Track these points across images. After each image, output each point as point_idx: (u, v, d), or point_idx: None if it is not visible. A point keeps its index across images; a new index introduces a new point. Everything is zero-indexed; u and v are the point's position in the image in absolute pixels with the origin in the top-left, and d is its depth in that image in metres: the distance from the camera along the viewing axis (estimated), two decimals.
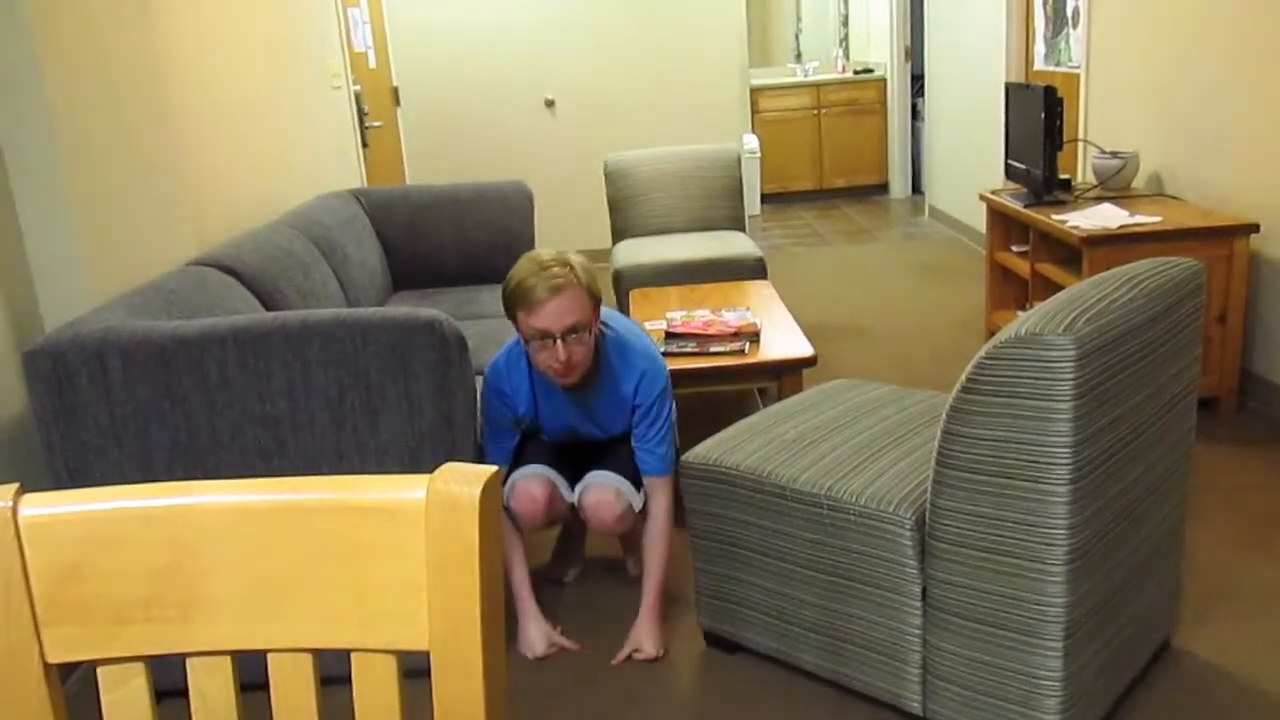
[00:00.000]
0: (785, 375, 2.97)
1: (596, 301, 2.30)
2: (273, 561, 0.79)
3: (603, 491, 2.42)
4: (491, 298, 3.94)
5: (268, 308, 2.92)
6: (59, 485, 2.22)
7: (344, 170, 4.85)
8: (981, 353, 1.75)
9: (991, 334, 4.46)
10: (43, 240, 2.48)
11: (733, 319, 3.16)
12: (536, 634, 2.45)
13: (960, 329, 4.77)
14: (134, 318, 2.32)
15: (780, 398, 2.90)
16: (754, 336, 3.08)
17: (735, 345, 3.02)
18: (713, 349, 3.03)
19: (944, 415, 1.82)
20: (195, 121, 3.24)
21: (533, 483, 2.43)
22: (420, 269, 4.18)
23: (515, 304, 2.24)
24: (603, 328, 2.40)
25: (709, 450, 2.30)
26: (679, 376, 2.96)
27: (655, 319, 3.36)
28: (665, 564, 2.44)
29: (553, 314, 2.21)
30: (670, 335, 3.11)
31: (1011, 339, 1.70)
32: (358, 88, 5.19)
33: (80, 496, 0.80)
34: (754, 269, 4.25)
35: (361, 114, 5.17)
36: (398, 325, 2.15)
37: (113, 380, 2.14)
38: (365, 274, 3.79)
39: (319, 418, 2.17)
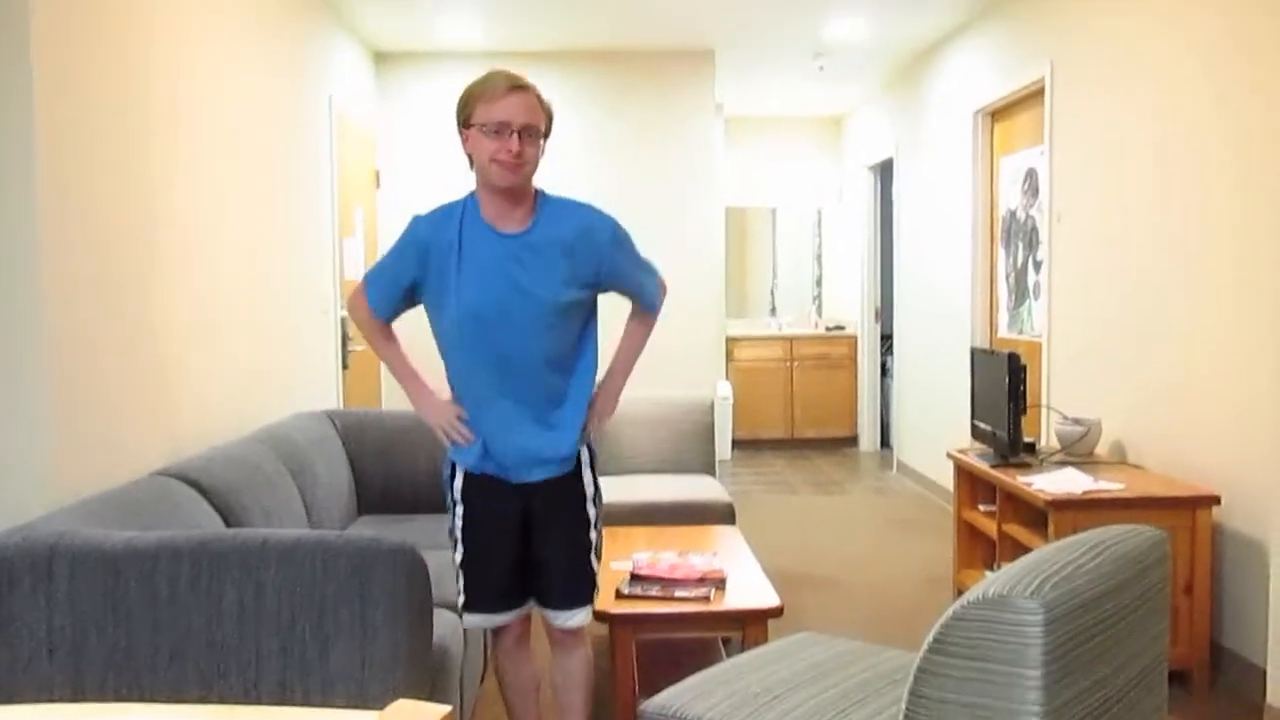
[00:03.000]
0: (750, 625, 2.91)
1: (549, 122, 2.37)
2: None
3: (566, 634, 2.55)
4: None
5: (228, 524, 2.87)
6: None
7: (322, 390, 4.90)
8: (949, 613, 1.73)
9: (960, 592, 4.41)
10: (11, 436, 2.46)
11: (699, 564, 3.13)
12: None
13: (928, 585, 4.72)
14: (90, 525, 2.27)
15: (744, 647, 2.83)
16: (720, 583, 3.03)
17: (701, 591, 2.97)
18: (678, 594, 2.97)
19: (910, 676, 1.77)
20: (181, 331, 3.29)
21: (506, 636, 2.58)
22: (389, 493, 4.15)
23: (474, 98, 2.29)
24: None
25: (670, 699, 2.21)
26: (642, 620, 2.89)
27: (621, 559, 3.32)
28: (637, 355, 2.69)
29: (513, 106, 2.27)
30: (635, 577, 3.06)
31: (979, 600, 1.69)
32: (344, 313, 5.31)
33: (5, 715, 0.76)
34: (722, 514, 4.24)
35: (345, 337, 5.28)
36: (360, 551, 2.11)
37: (57, 589, 2.07)
38: (332, 495, 3.75)
39: (266, 644, 2.09)
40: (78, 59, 2.67)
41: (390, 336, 2.57)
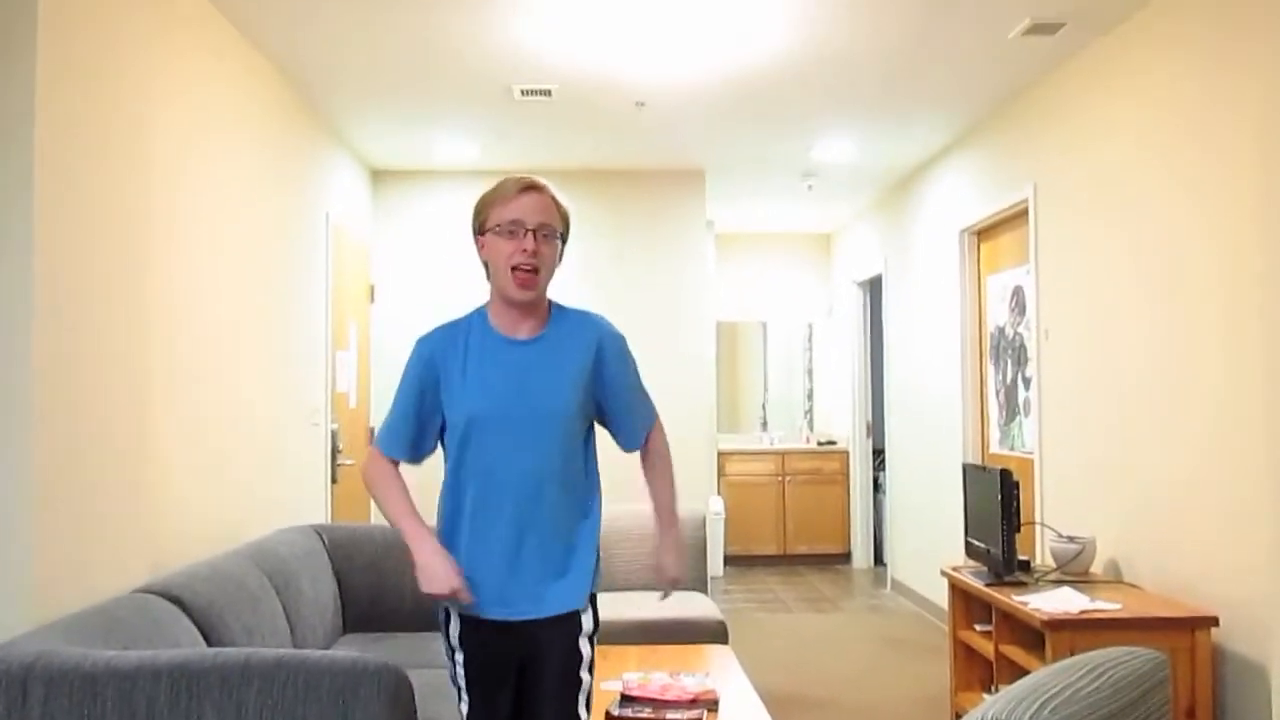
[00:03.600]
0: None
1: (566, 225, 2.31)
2: None
3: None
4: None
5: (210, 642, 2.81)
6: None
7: (310, 504, 4.85)
8: None
9: (957, 715, 4.31)
10: None
11: (691, 685, 3.06)
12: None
13: (925, 707, 4.62)
14: (69, 644, 2.22)
15: None
16: (712, 704, 2.96)
17: (693, 713, 2.90)
18: (669, 715, 2.90)
19: None
20: (169, 445, 3.27)
21: None
22: (374, 610, 4.07)
23: (488, 203, 2.26)
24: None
25: None
26: None
27: (611, 679, 3.24)
28: (675, 494, 2.47)
29: (527, 206, 2.23)
30: (626, 698, 2.99)
31: None
32: (335, 426, 5.31)
33: None
34: (714, 633, 4.17)
35: (335, 451, 5.25)
36: (344, 671, 2.07)
37: (31, 712, 2.01)
38: (316, 612, 3.68)
39: None
40: (78, 173, 2.72)
41: (396, 476, 2.35)
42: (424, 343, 2.33)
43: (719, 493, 8.36)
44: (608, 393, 2.37)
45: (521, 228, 2.22)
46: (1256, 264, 3.27)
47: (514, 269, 2.22)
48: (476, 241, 2.31)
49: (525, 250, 2.21)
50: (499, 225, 2.24)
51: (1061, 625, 3.38)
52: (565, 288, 6.48)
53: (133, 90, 3.01)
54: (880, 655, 5.59)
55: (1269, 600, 3.21)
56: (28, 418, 2.46)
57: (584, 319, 2.37)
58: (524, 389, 2.26)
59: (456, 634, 2.27)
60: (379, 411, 6.43)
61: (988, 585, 3.94)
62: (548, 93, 4.93)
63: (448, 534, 2.29)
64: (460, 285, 6.43)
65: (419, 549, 2.20)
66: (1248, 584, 3.33)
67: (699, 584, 4.92)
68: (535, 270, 2.22)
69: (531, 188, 2.26)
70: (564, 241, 2.31)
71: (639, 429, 2.43)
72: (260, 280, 4.17)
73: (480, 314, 2.34)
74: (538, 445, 2.24)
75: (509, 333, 2.30)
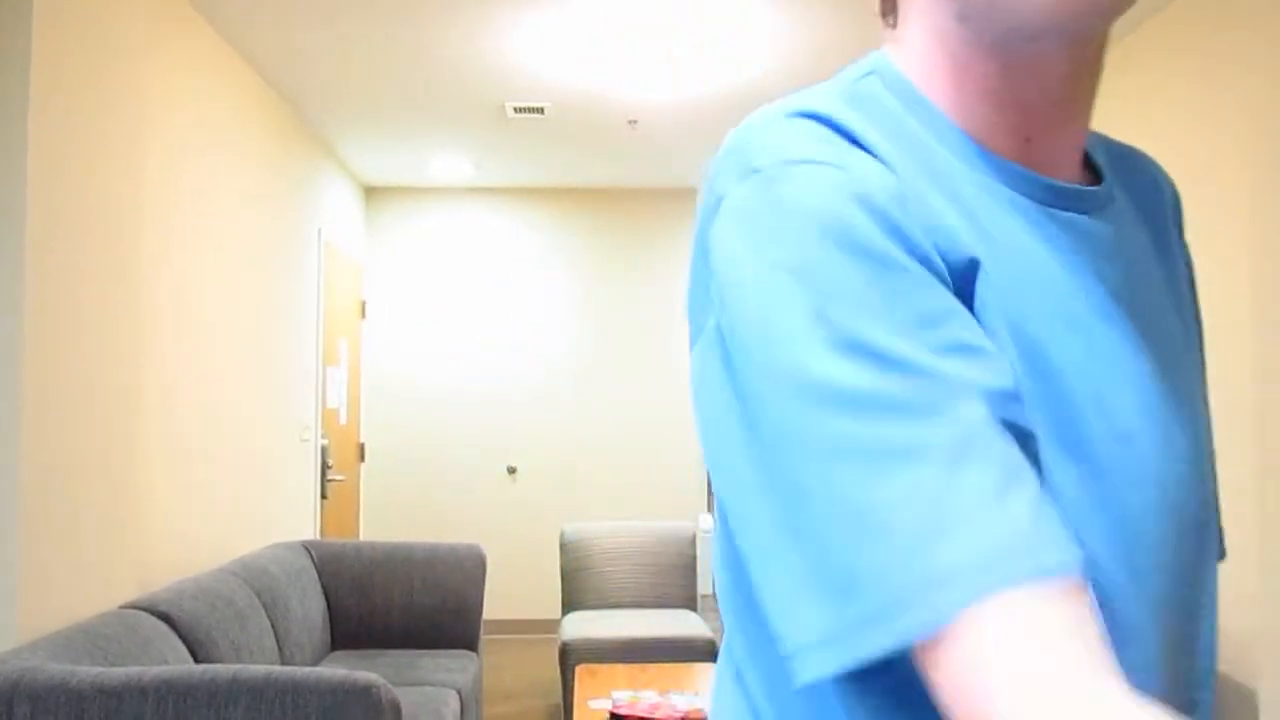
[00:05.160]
0: None
1: None
2: None
3: None
4: (434, 664, 3.79)
5: (197, 658, 2.80)
6: None
7: (300, 520, 4.83)
8: None
9: None
10: None
11: (681, 704, 3.05)
12: None
13: None
14: (55, 661, 2.21)
15: None
16: None
17: None
18: None
19: None
20: (157, 461, 3.26)
21: None
22: (363, 627, 4.06)
23: None
24: None
25: None
26: None
27: (600, 698, 3.23)
28: None
29: None
30: (615, 717, 2.99)
31: None
32: (325, 441, 5.29)
33: None
34: (705, 651, 4.16)
35: (325, 467, 5.24)
36: (332, 688, 2.06)
37: None
38: (305, 629, 3.66)
39: None
40: (70, 188, 2.72)
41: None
42: (838, 176, 0.56)
43: (709, 509, 8.35)
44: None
45: None
46: (1245, 285, 3.29)
47: None
48: None
49: None
50: None
51: None
52: (554, 305, 6.49)
53: (125, 106, 3.02)
54: None
55: (1256, 626, 3.22)
56: (15, 432, 2.45)
57: (1138, 158, 0.77)
58: (1145, 285, 0.67)
59: None
60: (369, 428, 6.41)
61: None
62: (541, 110, 4.95)
63: None
64: (454, 303, 6.44)
65: None
66: (1236, 610, 3.34)
67: (689, 602, 4.91)
68: None
69: None
70: None
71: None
72: (251, 296, 4.16)
73: (902, 90, 0.64)
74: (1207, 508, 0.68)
75: (1031, 161, 0.64)
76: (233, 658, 2.96)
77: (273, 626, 3.39)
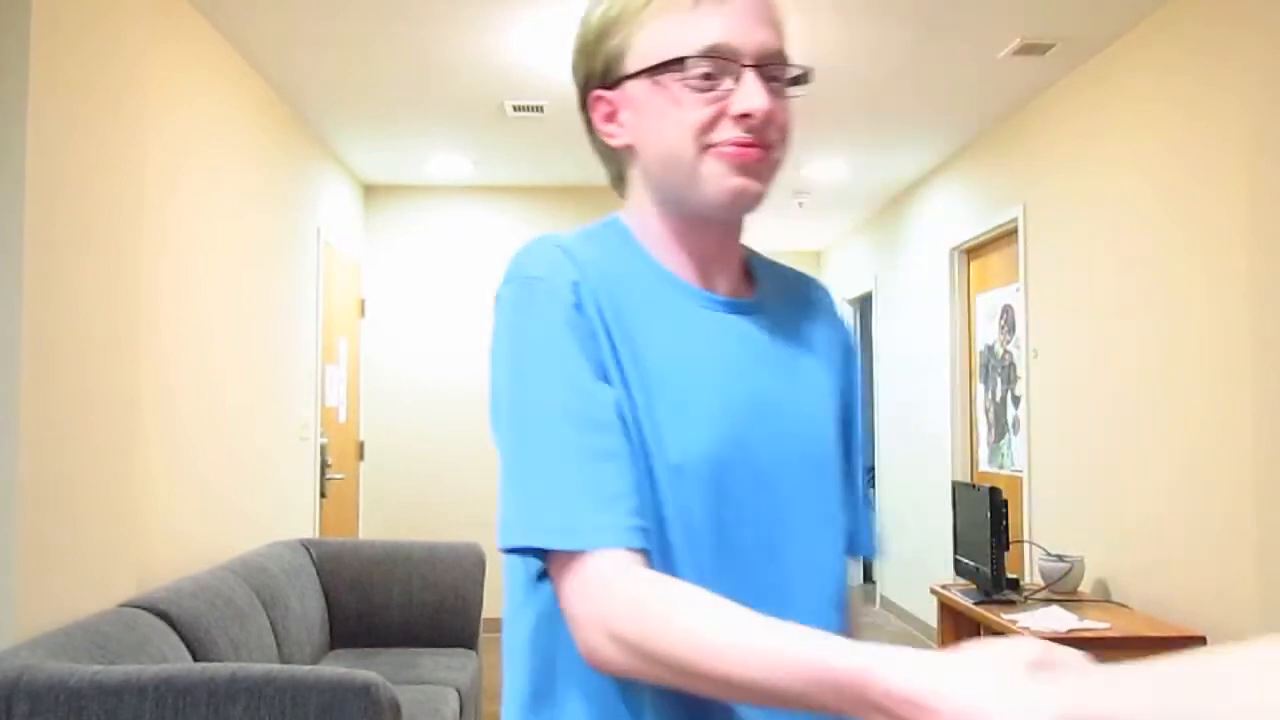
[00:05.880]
0: None
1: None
2: None
3: None
4: (433, 663, 3.79)
5: (196, 657, 2.80)
6: None
7: (299, 519, 4.84)
8: None
9: None
10: None
11: None
12: None
13: None
14: (54, 659, 2.21)
15: None
16: None
17: None
18: None
19: None
20: (156, 459, 3.27)
21: None
22: (362, 626, 4.06)
23: (631, 17, 1.00)
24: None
25: None
26: None
27: None
28: None
29: (743, 13, 1.00)
30: None
31: None
32: (324, 440, 5.29)
33: None
34: None
35: (324, 465, 5.24)
36: (331, 686, 2.06)
37: None
38: (304, 628, 3.67)
39: None
40: (69, 188, 2.72)
41: (679, 583, 0.88)
42: (547, 269, 0.98)
43: None
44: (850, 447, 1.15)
45: (732, 63, 0.99)
46: (1243, 284, 3.29)
47: (714, 148, 0.98)
48: (590, 104, 1.08)
49: (755, 102, 0.98)
50: (680, 65, 0.98)
51: (1053, 643, 3.39)
52: None
53: (125, 105, 3.02)
54: None
55: (1255, 620, 3.22)
56: (14, 430, 2.45)
57: (810, 282, 1.17)
58: (770, 405, 1.03)
59: None
60: (368, 426, 6.41)
61: (977, 604, 3.94)
62: (540, 109, 4.95)
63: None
64: (453, 301, 6.44)
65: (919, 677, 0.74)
66: (1234, 604, 3.35)
67: None
68: (766, 149, 1.00)
69: None
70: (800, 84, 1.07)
71: (867, 541, 1.18)
72: (250, 294, 4.17)
73: (621, 234, 1.07)
74: (806, 501, 1.05)
75: (701, 281, 1.05)
76: (232, 656, 2.97)
77: (272, 625, 3.39)
